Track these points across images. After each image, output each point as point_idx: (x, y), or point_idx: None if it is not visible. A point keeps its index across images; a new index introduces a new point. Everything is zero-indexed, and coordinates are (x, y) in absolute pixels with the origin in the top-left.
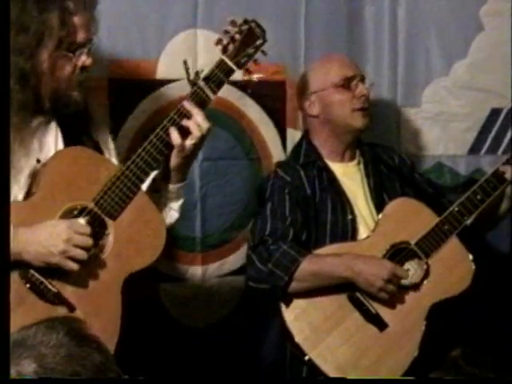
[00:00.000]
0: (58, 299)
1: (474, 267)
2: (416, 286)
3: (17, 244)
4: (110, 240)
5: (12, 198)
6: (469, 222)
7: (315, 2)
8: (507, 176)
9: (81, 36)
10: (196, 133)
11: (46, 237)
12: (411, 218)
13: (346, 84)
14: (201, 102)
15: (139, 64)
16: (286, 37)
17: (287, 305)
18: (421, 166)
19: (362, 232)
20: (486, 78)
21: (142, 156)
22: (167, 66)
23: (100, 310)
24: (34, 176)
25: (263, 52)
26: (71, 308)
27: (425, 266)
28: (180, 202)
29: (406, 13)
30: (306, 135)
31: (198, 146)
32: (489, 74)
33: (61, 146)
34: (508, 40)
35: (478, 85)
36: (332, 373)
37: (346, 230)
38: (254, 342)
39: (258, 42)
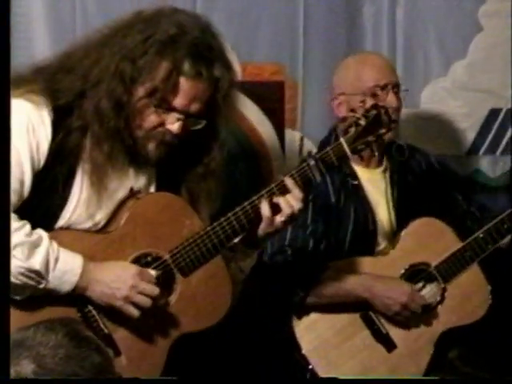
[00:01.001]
0: (107, 341)
1: (490, 299)
2: (430, 310)
3: (85, 280)
4: (174, 295)
5: (96, 221)
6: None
7: (314, 2)
8: None
9: (180, 101)
10: (287, 211)
11: (113, 279)
12: (434, 239)
13: (376, 92)
14: (306, 180)
15: None
16: (284, 37)
17: (299, 316)
18: None
19: (381, 242)
20: (485, 78)
21: (231, 221)
22: None
23: (143, 361)
24: (119, 208)
25: (383, 140)
26: (117, 352)
27: (441, 291)
28: (251, 264)
29: (404, 13)
30: (334, 131)
31: (286, 223)
32: (487, 75)
33: (153, 185)
34: (507, 40)
35: (476, 85)
36: None
37: (366, 241)
38: (252, 345)
39: (381, 131)
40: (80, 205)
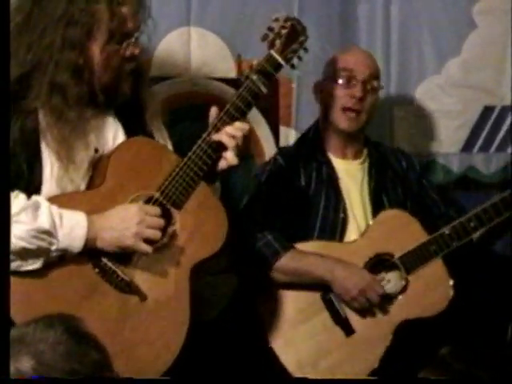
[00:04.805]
0: (130, 288)
1: (452, 293)
2: (391, 299)
3: (93, 231)
4: (176, 229)
5: (74, 189)
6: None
7: (308, 0)
8: (502, 210)
9: (129, 26)
10: (231, 144)
11: (118, 221)
12: (401, 231)
13: (344, 80)
14: (253, 95)
15: None
16: None
17: (263, 292)
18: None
19: (352, 232)
20: (479, 75)
21: (202, 147)
22: (161, 64)
23: (170, 300)
24: (96, 166)
25: (305, 49)
26: (143, 297)
27: (403, 282)
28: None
29: (398, 11)
30: (317, 122)
31: (238, 153)
32: (482, 72)
33: (121, 136)
34: (501, 38)
35: (470, 82)
36: (290, 366)
37: (335, 228)
38: (244, 343)
39: (301, 39)
40: (53, 184)
